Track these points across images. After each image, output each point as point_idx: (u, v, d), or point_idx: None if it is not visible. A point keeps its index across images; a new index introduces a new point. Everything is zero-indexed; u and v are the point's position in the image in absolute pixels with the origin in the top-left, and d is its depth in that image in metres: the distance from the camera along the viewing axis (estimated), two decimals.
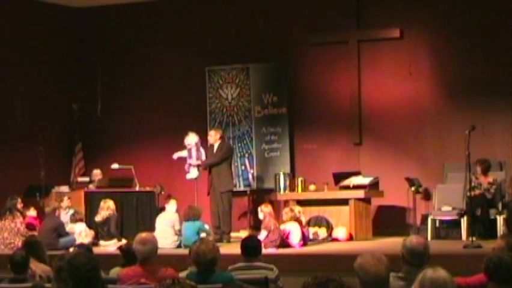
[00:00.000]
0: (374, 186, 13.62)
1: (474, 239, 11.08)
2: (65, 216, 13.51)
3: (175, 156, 14.03)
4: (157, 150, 16.15)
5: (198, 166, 13.81)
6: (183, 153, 13.92)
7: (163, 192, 14.79)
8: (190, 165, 13.87)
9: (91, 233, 13.25)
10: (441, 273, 4.52)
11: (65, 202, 13.75)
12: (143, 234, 6.83)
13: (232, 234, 13.47)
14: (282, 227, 12.04)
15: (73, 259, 5.44)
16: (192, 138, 13.81)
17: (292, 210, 12.35)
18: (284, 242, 11.82)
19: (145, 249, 6.62)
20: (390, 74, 14.88)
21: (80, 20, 16.82)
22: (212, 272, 6.38)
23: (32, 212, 13.55)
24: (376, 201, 14.04)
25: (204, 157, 13.77)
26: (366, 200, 13.53)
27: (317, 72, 15.29)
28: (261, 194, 14.99)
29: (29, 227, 13.16)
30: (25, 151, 15.01)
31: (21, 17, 15.82)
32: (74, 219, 13.36)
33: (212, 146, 13.68)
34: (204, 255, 6.40)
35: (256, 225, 13.56)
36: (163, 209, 13.45)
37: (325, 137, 15.19)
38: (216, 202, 13.39)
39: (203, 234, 12.19)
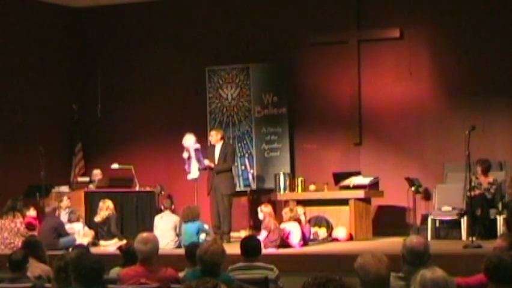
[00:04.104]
0: (374, 186, 13.62)
1: (474, 239, 11.07)
2: (65, 216, 13.52)
3: (206, 162, 13.66)
4: (157, 150, 16.16)
5: (205, 169, 13.67)
6: (211, 165, 13.61)
7: (163, 192, 14.79)
8: (190, 165, 13.82)
9: (91, 232, 13.26)
10: (439, 273, 4.53)
11: (65, 202, 13.74)
12: (145, 234, 6.85)
13: (232, 234, 13.46)
14: (281, 226, 12.04)
15: (82, 257, 5.46)
16: (190, 140, 13.75)
17: (292, 210, 12.35)
18: (284, 242, 11.81)
19: (147, 249, 6.63)
20: (390, 74, 14.88)
21: (80, 20, 16.82)
22: (217, 274, 6.35)
23: (32, 212, 13.54)
24: (376, 201, 14.04)
25: (202, 158, 13.69)
26: (366, 200, 13.53)
27: (317, 72, 15.29)
28: (261, 194, 15.00)
29: (29, 227, 13.16)
30: (25, 151, 15.01)
31: (21, 17, 15.82)
32: (70, 219, 13.35)
33: (213, 146, 13.63)
34: (212, 255, 6.38)
35: (256, 225, 13.56)
36: (162, 209, 13.43)
37: (325, 137, 15.19)
38: (217, 202, 13.37)
39: (203, 235, 12.19)
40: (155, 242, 6.76)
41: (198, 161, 13.60)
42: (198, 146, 13.64)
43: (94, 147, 16.56)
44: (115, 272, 7.23)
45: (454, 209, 12.86)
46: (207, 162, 13.51)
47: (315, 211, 13.38)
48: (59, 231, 12.72)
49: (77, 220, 13.48)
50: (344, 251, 11.29)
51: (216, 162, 13.46)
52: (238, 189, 14.55)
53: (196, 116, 15.70)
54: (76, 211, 13.58)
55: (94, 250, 11.25)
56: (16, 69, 15.71)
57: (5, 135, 15.36)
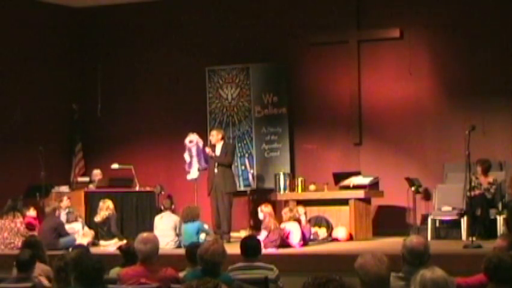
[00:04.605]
0: (374, 186, 13.62)
1: (474, 239, 11.07)
2: (64, 216, 13.52)
3: (207, 150, 13.55)
4: (157, 150, 16.16)
5: (206, 169, 13.64)
6: (212, 154, 13.58)
7: (163, 192, 14.79)
8: (190, 165, 13.81)
9: (91, 232, 13.26)
10: (439, 273, 4.53)
11: (65, 202, 13.74)
12: (145, 234, 6.85)
13: (232, 234, 13.46)
14: (281, 226, 12.04)
15: (83, 257, 5.47)
16: (192, 137, 13.76)
17: (291, 210, 12.34)
18: (284, 242, 11.81)
19: (147, 249, 6.63)
20: (390, 74, 14.88)
21: (80, 20, 16.82)
22: (217, 274, 6.35)
23: (32, 212, 13.55)
24: (376, 201, 14.04)
25: (202, 157, 13.70)
26: (366, 200, 13.53)
27: (317, 72, 15.29)
28: (261, 194, 14.99)
29: (29, 227, 13.17)
30: (25, 151, 15.01)
31: (21, 17, 15.82)
32: (68, 219, 13.34)
33: (213, 146, 13.63)
34: (213, 255, 6.39)
35: (256, 225, 13.56)
36: (162, 209, 13.43)
37: (325, 137, 15.18)
38: (217, 202, 13.37)
39: (202, 235, 12.19)
40: (155, 242, 6.76)
41: (198, 159, 13.60)
42: (198, 141, 13.66)
43: (94, 147, 16.55)
44: (115, 272, 7.23)
45: (454, 209, 12.86)
46: (208, 149, 13.47)
47: (315, 211, 13.38)
48: (59, 231, 12.72)
49: (75, 220, 13.48)
50: (344, 251, 11.29)
51: None
52: (238, 189, 14.53)
53: (196, 116, 15.70)
54: (73, 211, 13.58)
55: (94, 250, 11.25)
56: (16, 69, 15.70)
57: (5, 135, 15.36)
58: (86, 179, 15.22)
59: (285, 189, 14.01)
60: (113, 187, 14.44)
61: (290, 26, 15.46)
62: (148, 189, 14.79)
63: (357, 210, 13.26)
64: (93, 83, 16.60)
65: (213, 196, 13.45)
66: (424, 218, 13.61)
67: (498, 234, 11.91)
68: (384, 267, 4.96)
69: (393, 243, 11.50)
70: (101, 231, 13.39)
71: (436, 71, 14.68)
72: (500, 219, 12.49)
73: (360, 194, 13.34)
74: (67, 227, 13.06)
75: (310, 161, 15.21)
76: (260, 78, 15.50)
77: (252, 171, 15.20)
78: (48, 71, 16.28)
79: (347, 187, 13.55)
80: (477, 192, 12.65)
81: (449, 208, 12.93)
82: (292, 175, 14.48)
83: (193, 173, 13.85)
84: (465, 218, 12.50)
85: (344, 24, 15.06)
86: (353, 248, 11.52)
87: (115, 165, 14.88)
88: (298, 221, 12.26)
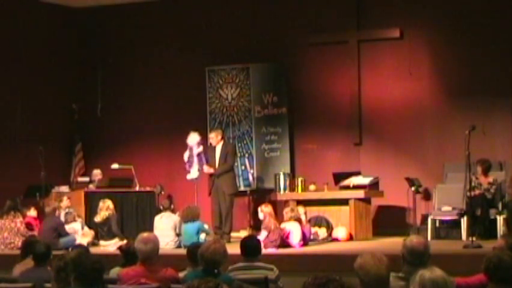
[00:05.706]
0: (374, 186, 13.62)
1: (474, 239, 11.07)
2: (63, 216, 13.51)
3: (205, 169, 13.66)
4: (157, 150, 16.16)
5: (210, 173, 13.64)
6: (211, 170, 13.60)
7: (163, 192, 14.79)
8: (190, 165, 13.81)
9: (91, 232, 13.25)
10: (439, 273, 4.53)
11: (65, 202, 13.73)
12: (145, 234, 6.85)
13: (232, 234, 13.45)
14: (282, 226, 12.03)
15: (82, 257, 5.47)
16: (194, 138, 13.76)
17: (292, 210, 12.34)
18: (284, 242, 11.81)
19: (147, 249, 6.63)
20: (390, 74, 14.88)
21: (80, 20, 16.82)
22: (218, 274, 6.36)
23: (32, 212, 13.56)
24: (376, 201, 14.05)
25: (204, 158, 13.68)
26: (366, 200, 13.53)
27: (317, 72, 15.29)
28: (261, 194, 15.00)
29: (29, 227, 13.17)
30: (25, 151, 15.01)
31: (21, 17, 15.82)
32: (67, 220, 13.33)
33: (213, 147, 13.62)
34: (213, 254, 6.40)
35: (256, 225, 13.56)
36: (161, 209, 13.43)
37: (325, 137, 15.19)
38: (219, 202, 13.36)
39: (203, 235, 12.19)
40: (155, 242, 6.76)
41: (199, 159, 13.59)
42: (200, 150, 13.64)
43: (94, 147, 16.56)
44: (115, 272, 7.23)
45: (454, 209, 12.86)
46: (206, 169, 13.49)
47: (315, 211, 13.38)
48: (59, 231, 12.72)
49: (74, 220, 13.47)
50: (344, 251, 11.29)
51: (217, 163, 13.45)
52: (238, 189, 14.53)
53: (196, 116, 15.70)
54: (72, 211, 13.56)
55: (94, 250, 11.25)
56: (16, 69, 15.70)
57: (5, 135, 15.36)
58: (86, 179, 15.22)
59: (285, 189, 14.01)
60: (113, 187, 14.43)
61: (290, 26, 15.46)
62: (148, 189, 14.79)
63: (357, 210, 13.26)
64: (93, 83, 16.61)
65: (214, 196, 13.45)
66: (424, 218, 13.61)
67: (498, 234, 11.93)
68: (384, 267, 4.96)
69: (393, 243, 11.51)
70: (101, 231, 13.38)
71: (436, 71, 14.68)
72: (500, 219, 12.49)
73: (360, 194, 13.34)
74: (67, 227, 13.05)
75: (310, 161, 15.21)
76: (260, 78, 15.51)
77: (252, 171, 15.20)
78: (48, 71, 16.28)
79: (347, 187, 13.55)
80: (477, 192, 12.66)
81: (449, 208, 12.93)
82: (292, 175, 14.49)
83: (193, 173, 13.85)
84: (465, 218, 12.49)
85: (343, 24, 15.06)
86: (353, 248, 11.52)
87: (115, 165, 14.89)
88: (300, 220, 12.25)
